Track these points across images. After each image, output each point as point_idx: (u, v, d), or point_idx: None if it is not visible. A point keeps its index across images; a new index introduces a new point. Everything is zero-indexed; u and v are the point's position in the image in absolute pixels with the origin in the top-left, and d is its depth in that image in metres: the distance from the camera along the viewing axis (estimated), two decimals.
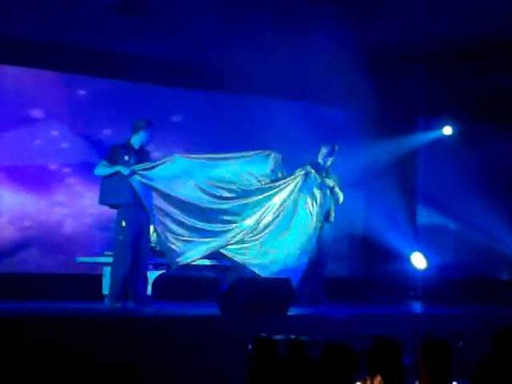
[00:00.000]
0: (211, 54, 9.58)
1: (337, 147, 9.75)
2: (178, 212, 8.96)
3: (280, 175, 9.35)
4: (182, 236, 8.93)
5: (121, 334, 6.70)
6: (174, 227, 8.93)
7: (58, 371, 6.12)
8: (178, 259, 8.87)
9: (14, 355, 6.08)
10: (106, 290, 8.86)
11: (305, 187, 9.22)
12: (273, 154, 9.38)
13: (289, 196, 9.18)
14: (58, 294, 9.29)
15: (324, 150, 9.71)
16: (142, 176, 8.77)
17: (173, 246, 8.89)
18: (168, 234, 8.90)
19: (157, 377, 6.38)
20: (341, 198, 9.66)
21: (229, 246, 9.02)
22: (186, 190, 9.05)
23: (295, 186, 9.18)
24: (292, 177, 9.25)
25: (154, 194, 8.88)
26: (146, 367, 6.43)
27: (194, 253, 8.91)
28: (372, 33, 10.02)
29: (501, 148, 12.25)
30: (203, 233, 9.00)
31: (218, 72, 9.56)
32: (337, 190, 9.60)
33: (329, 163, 9.69)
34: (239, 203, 9.14)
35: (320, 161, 9.67)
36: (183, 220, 8.97)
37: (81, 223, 10.68)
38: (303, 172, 9.23)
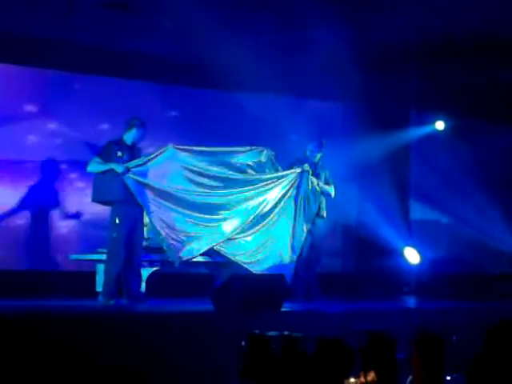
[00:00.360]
0: (206, 51, 9.56)
1: (325, 142, 9.72)
2: (175, 207, 8.93)
3: (274, 171, 9.35)
4: (183, 232, 8.89)
5: (115, 331, 6.69)
6: (173, 223, 8.89)
7: (52, 368, 6.10)
8: (181, 255, 8.84)
9: (7, 352, 6.06)
10: (99, 288, 8.84)
11: (299, 184, 9.21)
12: (265, 151, 9.38)
13: (283, 192, 9.17)
14: (51, 291, 9.28)
15: (311, 146, 9.69)
16: (135, 173, 8.75)
17: (174, 242, 8.84)
18: (168, 231, 8.85)
19: (151, 373, 6.36)
20: (332, 192, 9.64)
21: (222, 245, 9.00)
22: (180, 185, 9.04)
23: (290, 183, 9.17)
24: (287, 172, 9.25)
25: (149, 191, 8.85)
26: (139, 364, 6.41)
27: (195, 248, 8.89)
28: (365, 29, 10.01)
29: (493, 143, 12.28)
30: (202, 227, 8.98)
31: (213, 69, 9.54)
32: (322, 185, 9.56)
33: (317, 158, 9.67)
34: (235, 196, 9.13)
35: (308, 156, 9.64)
36: (181, 216, 8.93)
37: (76, 220, 10.64)
38: (299, 170, 9.22)
